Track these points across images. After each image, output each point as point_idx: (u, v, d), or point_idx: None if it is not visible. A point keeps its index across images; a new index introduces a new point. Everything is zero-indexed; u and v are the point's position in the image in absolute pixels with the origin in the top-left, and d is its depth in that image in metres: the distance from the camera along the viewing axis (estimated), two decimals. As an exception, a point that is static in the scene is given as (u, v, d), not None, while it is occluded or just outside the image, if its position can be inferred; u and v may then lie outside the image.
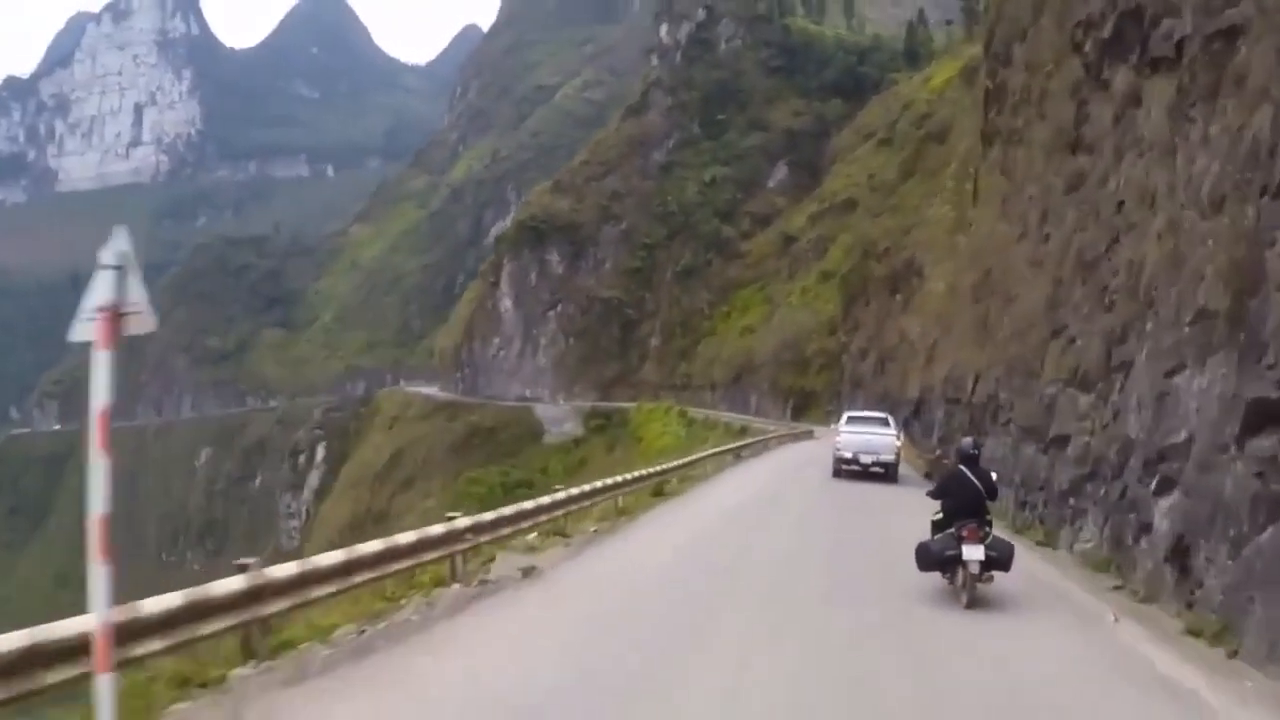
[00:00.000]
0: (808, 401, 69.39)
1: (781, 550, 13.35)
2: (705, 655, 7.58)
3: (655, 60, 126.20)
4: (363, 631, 7.93)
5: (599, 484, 17.00)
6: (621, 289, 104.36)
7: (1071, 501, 13.89)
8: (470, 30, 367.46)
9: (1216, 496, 8.38)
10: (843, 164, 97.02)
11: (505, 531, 12.11)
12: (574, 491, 15.05)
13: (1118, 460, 11.74)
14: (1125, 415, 11.61)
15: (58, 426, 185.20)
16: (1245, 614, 7.59)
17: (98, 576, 4.57)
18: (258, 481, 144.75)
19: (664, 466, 24.22)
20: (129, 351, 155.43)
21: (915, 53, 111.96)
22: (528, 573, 10.88)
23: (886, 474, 25.07)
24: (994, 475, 11.14)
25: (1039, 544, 14.35)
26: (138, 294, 4.95)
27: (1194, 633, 8.27)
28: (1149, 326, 11.06)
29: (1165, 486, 9.89)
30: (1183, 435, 9.48)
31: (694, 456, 29.09)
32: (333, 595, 7.94)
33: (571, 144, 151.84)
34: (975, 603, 9.68)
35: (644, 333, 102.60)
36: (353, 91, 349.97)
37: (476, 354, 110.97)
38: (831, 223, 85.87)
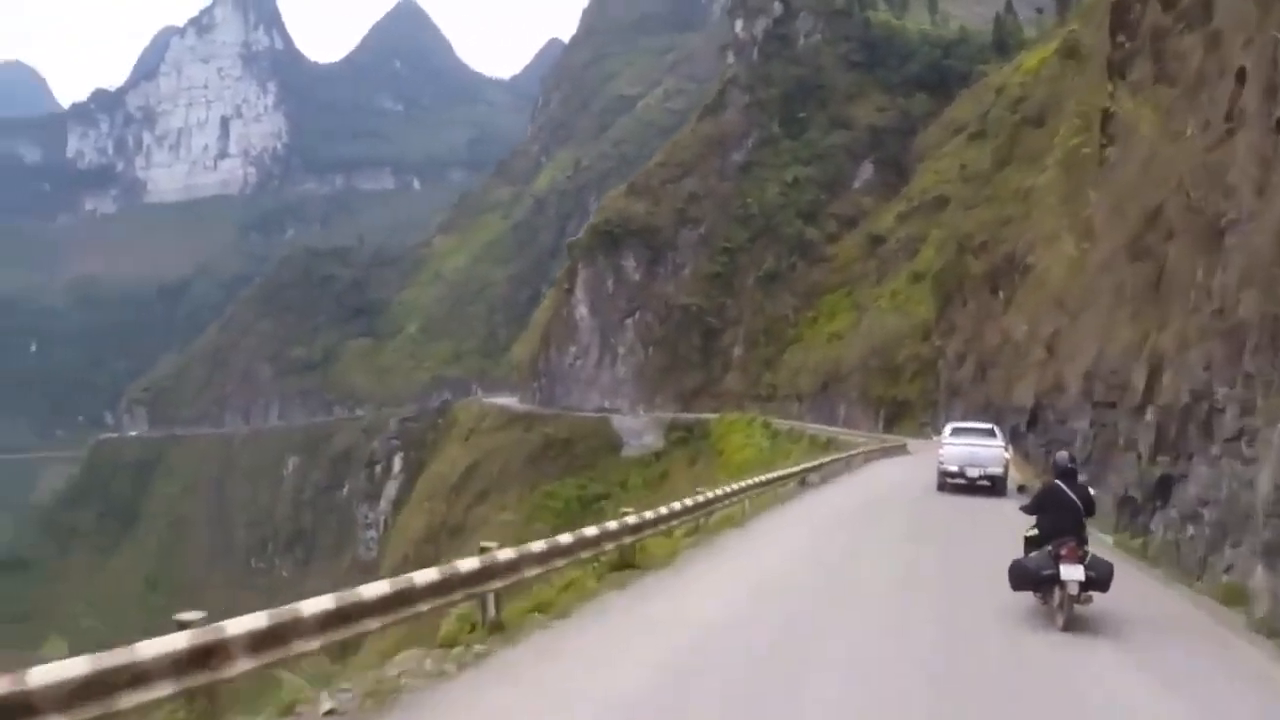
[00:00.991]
0: (900, 412, 65.97)
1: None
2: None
3: (731, 58, 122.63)
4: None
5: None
6: (701, 295, 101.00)
7: None
8: (553, 45, 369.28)
9: None
10: (931, 160, 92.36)
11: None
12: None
13: None
14: None
15: (138, 432, 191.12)
16: None
17: None
18: (344, 491, 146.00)
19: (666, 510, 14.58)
20: (214, 361, 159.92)
21: (1004, 44, 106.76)
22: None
23: (994, 487, 23.88)
24: (1092, 490, 10.55)
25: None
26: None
27: None
28: None
29: None
30: None
31: (732, 487, 19.41)
32: (315, 652, 6.33)
33: (653, 153, 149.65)
34: (1072, 624, 9.37)
35: (726, 341, 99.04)
36: (436, 105, 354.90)
37: (553, 364, 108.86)
38: (921, 221, 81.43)
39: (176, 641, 5.16)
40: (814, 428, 63.17)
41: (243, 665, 5.55)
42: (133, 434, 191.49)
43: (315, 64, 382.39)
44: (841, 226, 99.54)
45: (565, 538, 10.47)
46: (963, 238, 61.94)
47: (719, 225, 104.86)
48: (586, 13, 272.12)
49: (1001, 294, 49.55)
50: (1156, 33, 19.90)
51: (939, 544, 15.85)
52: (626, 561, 12.38)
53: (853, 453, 40.33)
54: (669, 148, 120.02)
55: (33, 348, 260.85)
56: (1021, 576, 9.84)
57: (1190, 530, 12.80)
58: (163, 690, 5.07)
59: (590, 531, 11.27)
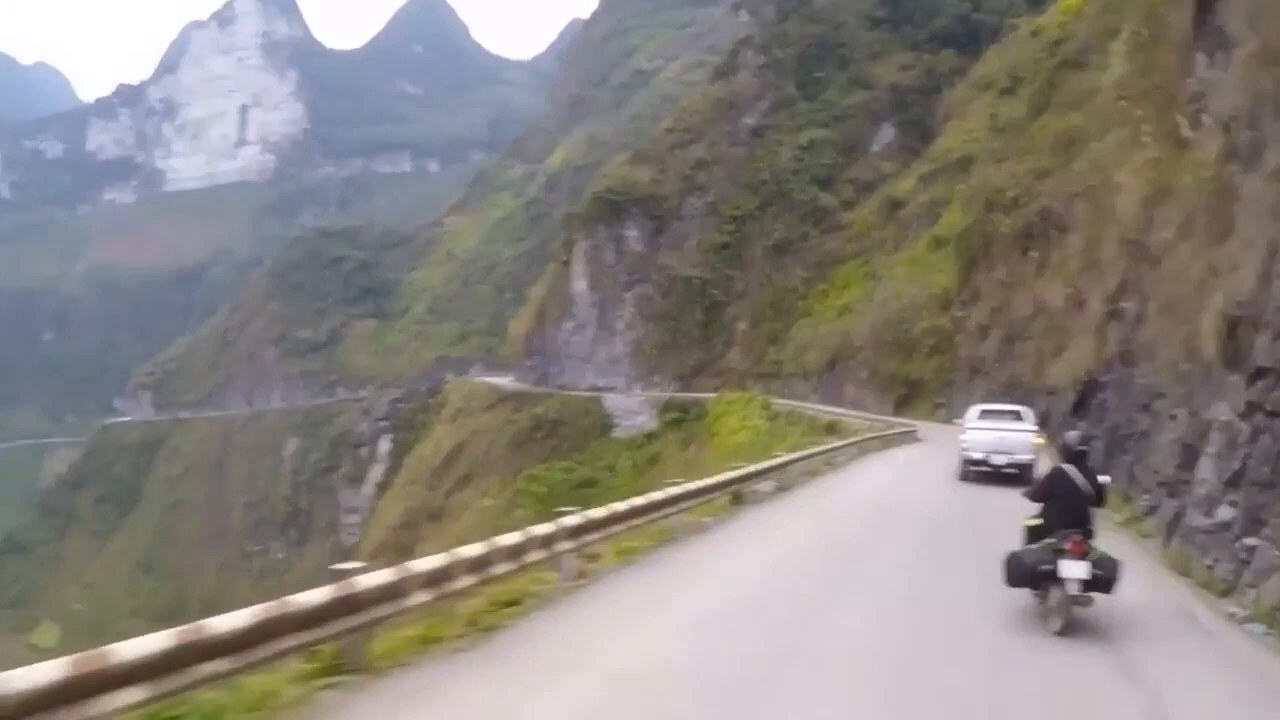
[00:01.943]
0: (913, 392, 59.14)
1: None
2: None
3: (745, 16, 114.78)
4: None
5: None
6: (707, 267, 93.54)
7: None
8: (574, 25, 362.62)
9: None
10: (957, 120, 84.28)
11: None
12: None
13: None
14: None
15: (137, 416, 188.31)
16: None
17: None
18: (341, 472, 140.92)
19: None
20: (221, 344, 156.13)
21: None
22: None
23: (1021, 477, 20.73)
24: (1103, 479, 9.26)
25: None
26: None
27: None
28: None
29: None
30: None
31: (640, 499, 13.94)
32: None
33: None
34: (1069, 628, 8.36)
35: (731, 316, 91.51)
36: (456, 87, 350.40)
37: (548, 340, 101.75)
38: (945, 184, 73.63)
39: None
40: (814, 408, 57.50)
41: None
42: (126, 418, 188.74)
43: (335, 51, 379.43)
44: (859, 192, 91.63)
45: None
46: (992, 193, 54.98)
47: (728, 192, 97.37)
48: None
49: (1035, 255, 43.53)
50: None
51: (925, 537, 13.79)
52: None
53: (845, 442, 34.35)
54: (678, 113, 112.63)
55: (47, 336, 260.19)
56: (1018, 571, 8.83)
57: None
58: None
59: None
